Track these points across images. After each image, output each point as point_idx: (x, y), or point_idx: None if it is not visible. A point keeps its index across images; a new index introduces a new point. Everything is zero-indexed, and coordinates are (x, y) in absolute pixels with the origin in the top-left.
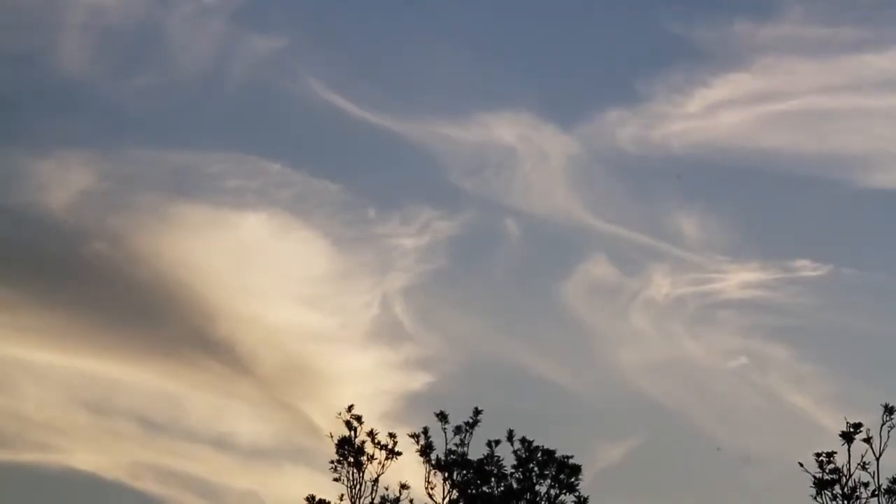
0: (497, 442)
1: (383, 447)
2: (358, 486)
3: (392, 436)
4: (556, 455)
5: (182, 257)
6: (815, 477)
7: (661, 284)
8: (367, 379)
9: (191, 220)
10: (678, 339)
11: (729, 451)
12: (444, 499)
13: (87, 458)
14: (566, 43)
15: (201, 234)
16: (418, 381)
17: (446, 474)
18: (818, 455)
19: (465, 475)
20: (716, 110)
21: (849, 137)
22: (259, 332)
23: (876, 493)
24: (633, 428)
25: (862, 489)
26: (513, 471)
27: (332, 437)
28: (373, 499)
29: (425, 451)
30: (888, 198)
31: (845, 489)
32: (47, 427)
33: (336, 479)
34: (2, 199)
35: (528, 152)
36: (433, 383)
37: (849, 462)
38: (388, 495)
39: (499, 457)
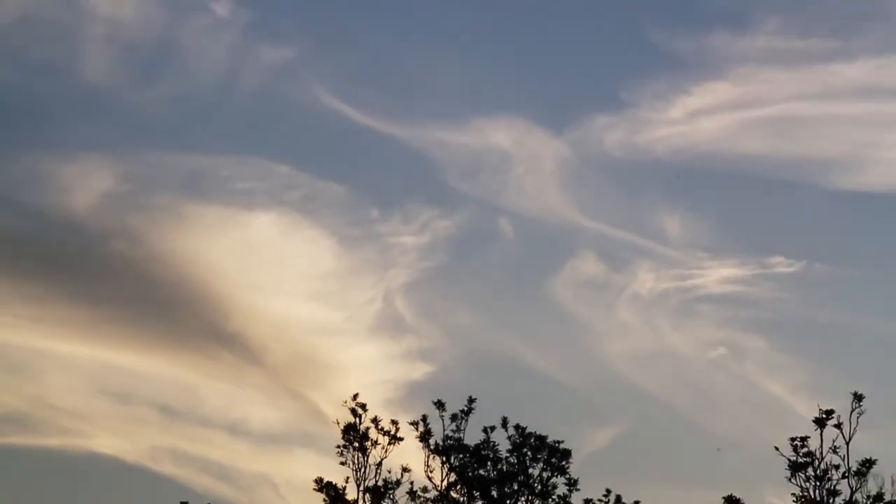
0: (492, 428)
1: (386, 433)
2: (363, 469)
3: (394, 422)
4: (548, 440)
5: (197, 255)
6: (789, 460)
7: (646, 280)
8: (371, 369)
9: (205, 219)
10: (661, 331)
11: (708, 436)
12: (442, 481)
13: (109, 442)
14: (556, 53)
15: (214, 233)
16: (419, 370)
17: (444, 458)
18: (792, 439)
19: (462, 459)
20: (696, 117)
21: (821, 142)
22: (269, 326)
23: (846, 474)
24: (620, 414)
25: (833, 471)
26: (507, 455)
27: (338, 423)
28: (376, 481)
29: (424, 437)
30: (858, 199)
31: (818, 471)
32: (72, 414)
33: (342, 463)
34: (28, 200)
35: (522, 156)
36: (433, 373)
37: (821, 446)
38: (390, 478)
39: (494, 442)
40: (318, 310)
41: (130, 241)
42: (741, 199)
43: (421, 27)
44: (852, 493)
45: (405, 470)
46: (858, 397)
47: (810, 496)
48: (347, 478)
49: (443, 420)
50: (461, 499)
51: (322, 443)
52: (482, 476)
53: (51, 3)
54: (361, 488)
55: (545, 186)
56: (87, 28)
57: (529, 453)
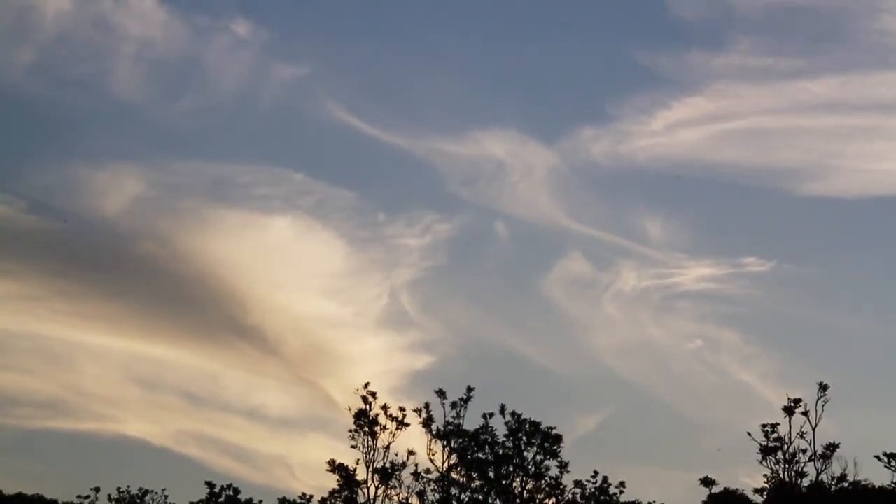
0: (491, 415)
1: (394, 419)
2: (372, 452)
3: (402, 409)
4: (542, 426)
5: (219, 255)
6: (760, 444)
7: (629, 278)
8: (378, 359)
9: (227, 223)
10: (643, 325)
11: (686, 422)
12: (443, 463)
13: (138, 426)
14: (547, 71)
15: (235, 235)
16: (421, 361)
17: (445, 443)
18: (763, 426)
19: (461, 443)
20: (675, 129)
21: (789, 152)
22: (285, 320)
23: (812, 458)
24: (606, 401)
25: (801, 455)
26: (504, 440)
27: (350, 409)
28: (384, 463)
29: (427, 423)
30: (823, 204)
31: (787, 455)
32: (104, 400)
33: (353, 447)
34: (66, 205)
35: (515, 165)
36: (434, 363)
37: (789, 432)
38: (397, 460)
39: (492, 427)
40: (329, 305)
41: (158, 243)
42: (717, 204)
43: (423, 48)
44: (818, 475)
45: (411, 453)
46: (823, 387)
47: (780, 477)
48: (358, 460)
49: (444, 407)
50: (461, 479)
51: (333, 427)
52: (480, 459)
53: (85, 24)
54: (370, 470)
55: (537, 193)
56: (119, 47)
57: (524, 438)
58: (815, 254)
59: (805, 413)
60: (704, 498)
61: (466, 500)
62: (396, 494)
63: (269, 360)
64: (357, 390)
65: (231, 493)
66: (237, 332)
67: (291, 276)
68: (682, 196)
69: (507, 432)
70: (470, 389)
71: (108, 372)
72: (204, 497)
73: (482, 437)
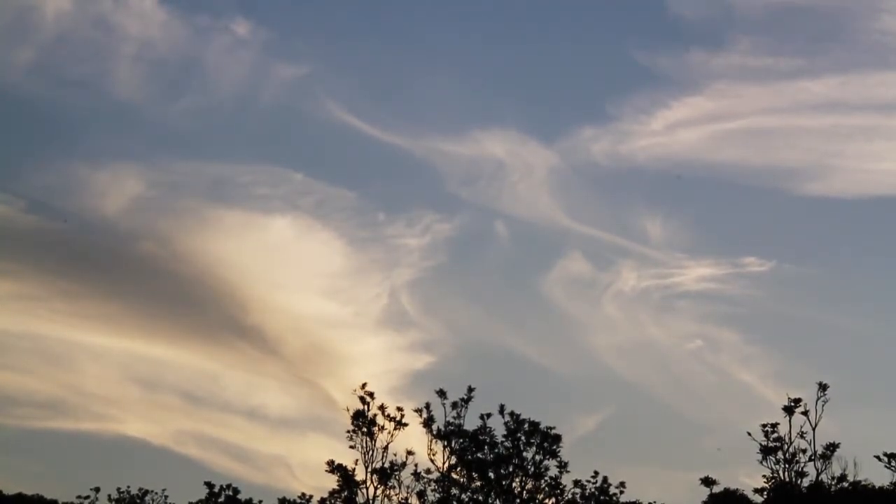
0: (489, 415)
1: (392, 419)
2: (370, 452)
3: (400, 409)
4: (541, 426)
5: (219, 255)
6: (760, 444)
7: (629, 278)
8: (378, 359)
9: (226, 223)
10: (643, 325)
11: (686, 422)
12: (443, 463)
13: (138, 426)
14: (547, 71)
15: (235, 235)
16: (421, 361)
17: (445, 443)
18: (763, 425)
19: (461, 443)
20: (675, 128)
21: (789, 152)
22: (285, 320)
23: (812, 458)
24: (606, 401)
25: (801, 455)
26: (503, 440)
27: (348, 410)
28: (383, 463)
29: (427, 423)
30: (823, 204)
31: (787, 455)
32: (104, 400)
33: (352, 447)
34: (65, 205)
35: (515, 165)
36: (434, 363)
37: (789, 431)
38: (396, 460)
39: (491, 428)
40: (329, 305)
41: (158, 243)
42: (717, 204)
43: (423, 48)
44: (818, 475)
45: (409, 453)
46: (823, 387)
47: (780, 477)
48: (357, 460)
49: (444, 407)
50: (461, 480)
51: (333, 427)
52: (480, 459)
53: (85, 24)
54: (369, 470)
55: (537, 192)
56: (119, 47)
57: (523, 438)
58: (815, 254)
59: (805, 413)
60: (705, 498)
61: (467, 500)
62: (396, 494)
63: (269, 360)
64: (354, 391)
65: (230, 493)
66: (237, 332)
67: (291, 276)
68: (682, 196)
69: (505, 432)
70: (470, 389)
71: (108, 372)
72: (203, 497)
73: (481, 437)
